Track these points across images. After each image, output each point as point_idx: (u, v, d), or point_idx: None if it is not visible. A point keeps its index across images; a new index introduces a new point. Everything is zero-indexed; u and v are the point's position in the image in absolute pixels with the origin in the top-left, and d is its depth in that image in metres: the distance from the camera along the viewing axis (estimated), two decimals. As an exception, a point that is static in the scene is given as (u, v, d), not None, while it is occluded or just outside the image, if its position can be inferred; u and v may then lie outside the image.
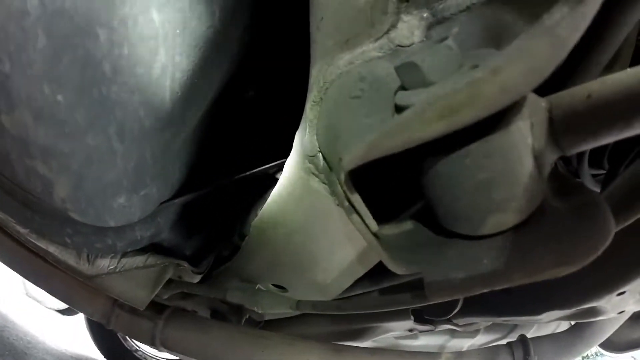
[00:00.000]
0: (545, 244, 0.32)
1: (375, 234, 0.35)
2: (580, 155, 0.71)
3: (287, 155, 0.51)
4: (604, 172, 0.77)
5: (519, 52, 0.24)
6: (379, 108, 0.33)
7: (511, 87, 0.24)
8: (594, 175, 0.78)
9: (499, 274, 0.33)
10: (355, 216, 0.33)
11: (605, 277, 0.67)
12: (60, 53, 0.36)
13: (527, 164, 0.32)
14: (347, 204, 0.33)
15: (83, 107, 0.40)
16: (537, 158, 0.32)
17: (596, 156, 0.74)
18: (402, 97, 0.30)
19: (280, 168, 0.68)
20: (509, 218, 0.33)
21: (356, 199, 0.31)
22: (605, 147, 0.71)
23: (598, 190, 0.73)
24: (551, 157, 0.34)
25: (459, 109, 0.24)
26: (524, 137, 0.31)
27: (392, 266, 0.36)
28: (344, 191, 0.31)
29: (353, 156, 0.27)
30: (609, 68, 0.45)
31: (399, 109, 0.30)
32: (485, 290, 0.34)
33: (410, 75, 0.30)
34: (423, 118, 0.24)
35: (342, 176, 0.30)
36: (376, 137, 0.26)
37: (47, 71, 0.37)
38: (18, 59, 0.36)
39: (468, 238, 0.36)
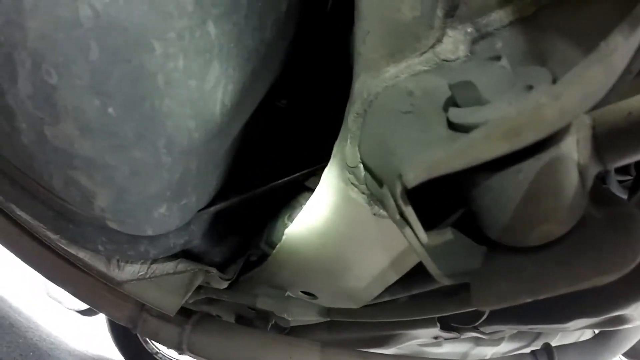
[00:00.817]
0: (586, 253, 0.33)
1: (424, 246, 0.36)
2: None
3: (315, 164, 0.51)
4: (630, 178, 0.77)
5: (577, 79, 0.25)
6: (431, 124, 0.34)
7: (569, 111, 0.25)
8: (620, 182, 0.78)
9: (544, 283, 0.34)
10: (407, 230, 0.34)
11: (634, 284, 0.67)
12: (113, 66, 0.35)
13: (573, 178, 0.33)
14: (398, 217, 0.34)
15: (134, 120, 0.39)
16: (582, 172, 0.33)
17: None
18: (457, 115, 0.31)
19: (308, 176, 0.69)
20: (554, 229, 0.34)
21: (410, 213, 0.32)
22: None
23: (625, 196, 0.73)
24: (593, 171, 0.35)
25: (522, 131, 0.25)
26: (571, 153, 0.32)
27: (440, 278, 0.37)
28: (398, 205, 0.32)
29: (417, 174, 0.28)
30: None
31: (454, 125, 0.31)
32: (530, 300, 0.34)
33: (465, 94, 0.31)
34: (490, 139, 0.25)
35: (398, 191, 0.31)
36: (443, 157, 0.27)
37: (97, 84, 0.35)
38: (67, 71, 0.34)
39: (514, 248, 0.36)
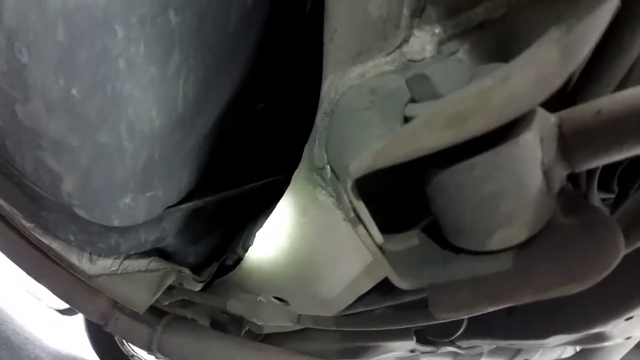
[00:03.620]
0: (553, 260, 0.31)
1: (380, 247, 0.35)
2: (590, 178, 0.70)
3: (293, 169, 0.51)
4: (613, 195, 0.76)
5: (528, 61, 0.24)
6: (388, 119, 0.33)
7: (520, 95, 0.24)
8: (603, 200, 0.77)
9: (506, 291, 0.32)
10: (360, 227, 0.33)
11: (613, 301, 0.66)
12: (77, 47, 0.36)
13: (536, 178, 0.31)
14: (352, 214, 0.33)
15: (96, 102, 0.40)
16: (547, 172, 0.32)
17: (605, 180, 0.74)
18: (412, 109, 0.30)
19: (286, 181, 0.68)
20: (516, 233, 0.33)
21: (361, 208, 0.31)
22: (614, 170, 0.71)
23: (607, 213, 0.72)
24: (561, 173, 0.34)
25: (467, 117, 0.24)
26: (533, 150, 0.30)
27: (396, 280, 0.36)
28: (350, 201, 0.31)
29: (360, 164, 0.27)
30: (619, 89, 0.45)
31: (407, 120, 0.30)
32: (492, 309, 0.33)
33: (420, 88, 0.30)
34: (431, 126, 0.24)
35: (349, 185, 0.30)
36: (384, 146, 0.26)
37: (63, 64, 0.37)
38: (36, 50, 0.36)
39: (475, 253, 0.35)
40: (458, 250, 0.37)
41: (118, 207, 0.51)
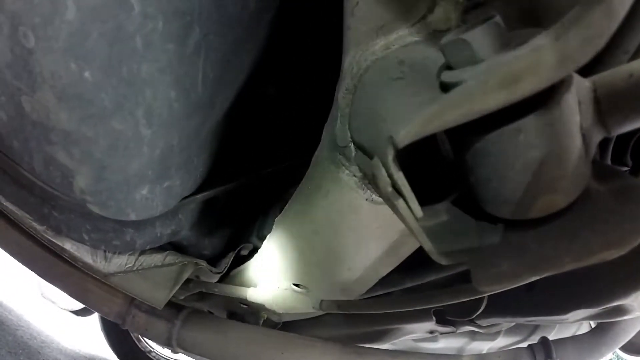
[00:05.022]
0: (592, 227, 0.31)
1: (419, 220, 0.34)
2: (603, 152, 0.70)
3: (305, 154, 0.49)
4: (627, 168, 0.75)
5: (576, 22, 0.23)
6: (425, 87, 0.32)
7: (570, 55, 0.23)
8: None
9: (548, 259, 0.32)
10: (400, 201, 0.32)
11: (633, 273, 0.66)
12: (90, 25, 0.33)
13: (577, 142, 0.31)
14: (390, 189, 0.32)
15: (111, 86, 0.37)
16: (585, 137, 0.32)
17: (618, 153, 0.74)
18: (450, 76, 0.29)
19: (298, 167, 0.68)
20: (558, 199, 0.32)
21: (403, 182, 0.30)
22: (627, 143, 0.70)
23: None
24: (597, 137, 0.34)
25: (521, 77, 0.23)
26: (573, 114, 0.30)
27: (436, 256, 0.35)
28: (390, 174, 0.30)
29: (408, 131, 0.26)
30: (635, 57, 0.45)
31: (447, 86, 0.29)
32: (534, 279, 0.32)
33: (458, 53, 0.29)
34: (485, 87, 0.23)
35: (390, 156, 0.29)
36: (436, 110, 0.25)
37: (74, 46, 0.34)
38: (44, 32, 0.33)
39: (513, 223, 0.35)
40: (494, 221, 0.36)
41: (134, 199, 0.49)
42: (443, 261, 0.36)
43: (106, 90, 0.37)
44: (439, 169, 0.42)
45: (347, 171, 0.47)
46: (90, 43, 0.34)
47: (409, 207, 0.32)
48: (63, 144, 0.40)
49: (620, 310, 0.75)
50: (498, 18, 0.30)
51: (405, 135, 0.26)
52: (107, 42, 0.35)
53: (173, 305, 0.81)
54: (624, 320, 0.94)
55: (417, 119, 0.26)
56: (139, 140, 0.43)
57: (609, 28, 0.25)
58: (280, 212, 0.67)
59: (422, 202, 0.41)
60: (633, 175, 0.69)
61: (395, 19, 0.39)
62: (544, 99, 0.28)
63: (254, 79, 0.54)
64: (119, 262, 0.69)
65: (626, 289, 0.68)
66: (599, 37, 0.25)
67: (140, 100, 0.40)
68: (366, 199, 0.49)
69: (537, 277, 0.32)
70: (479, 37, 0.29)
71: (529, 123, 0.28)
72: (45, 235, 0.62)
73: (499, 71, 0.23)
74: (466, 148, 0.31)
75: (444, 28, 0.39)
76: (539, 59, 0.23)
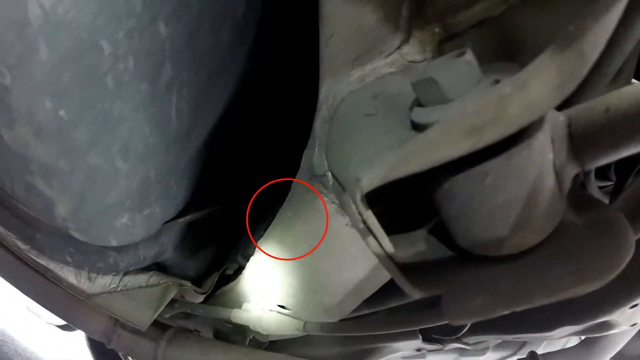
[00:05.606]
0: (565, 262, 0.31)
1: (390, 257, 0.34)
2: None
3: (289, 173, 0.49)
4: (611, 183, 0.76)
5: (544, 68, 0.23)
6: (395, 126, 0.32)
7: (538, 103, 0.23)
8: (600, 188, 0.77)
9: (520, 295, 0.32)
10: (371, 239, 0.32)
11: (618, 290, 0.66)
12: (63, 66, 0.34)
13: (549, 181, 0.31)
14: (362, 225, 0.32)
15: (85, 123, 0.38)
16: (558, 174, 0.31)
17: (602, 168, 0.74)
18: (420, 115, 0.29)
19: (282, 187, 0.67)
20: (529, 238, 0.32)
21: (372, 220, 0.30)
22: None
23: (606, 202, 0.72)
24: (571, 172, 0.33)
25: (485, 127, 0.23)
26: (546, 152, 0.30)
27: (410, 290, 0.35)
28: (359, 212, 0.30)
29: (372, 177, 0.26)
30: (613, 81, 0.45)
31: (417, 126, 0.29)
32: (507, 312, 0.32)
33: (428, 92, 0.29)
34: (449, 137, 0.23)
35: (358, 197, 0.29)
36: (398, 158, 0.25)
37: (48, 85, 0.35)
38: (18, 71, 0.34)
39: (485, 258, 0.34)
40: (467, 254, 0.36)
41: (115, 227, 0.50)
42: (416, 295, 0.36)
43: (81, 127, 0.38)
44: (418, 194, 0.42)
45: (325, 198, 0.47)
46: (64, 83, 0.35)
47: (379, 244, 0.32)
48: (42, 175, 0.41)
49: (607, 326, 0.75)
50: (469, 54, 0.30)
51: (370, 180, 0.26)
52: (80, 82, 0.35)
53: (158, 325, 0.80)
54: (612, 333, 0.94)
55: (381, 165, 0.26)
56: (115, 174, 0.43)
57: (581, 72, 0.25)
58: (265, 231, 0.67)
59: (401, 228, 0.41)
60: (616, 192, 0.69)
61: (370, 50, 0.39)
62: (513, 139, 0.28)
63: (233, 104, 0.54)
64: (103, 282, 0.68)
65: (611, 306, 0.68)
66: (569, 83, 0.24)
67: (115, 136, 0.40)
68: (346, 224, 0.49)
69: (511, 311, 0.32)
70: (447, 76, 0.29)
71: (497, 165, 0.28)
72: (29, 254, 0.62)
73: (461, 121, 0.23)
74: (435, 186, 0.31)
75: (420, 59, 0.39)
76: (503, 109, 0.22)
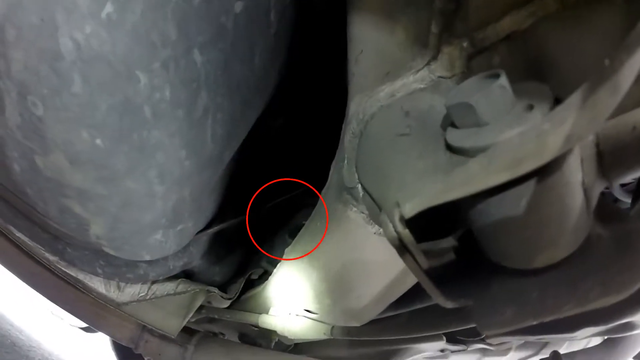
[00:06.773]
0: (592, 275, 0.32)
1: (426, 271, 0.35)
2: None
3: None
4: (633, 180, 0.75)
5: (582, 103, 0.23)
6: (430, 147, 0.33)
7: (574, 136, 0.24)
8: (622, 185, 0.77)
9: (549, 306, 0.33)
10: (408, 257, 0.33)
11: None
12: (99, 98, 0.34)
13: (578, 200, 0.31)
14: (397, 243, 0.33)
15: (123, 152, 0.38)
16: (586, 192, 0.32)
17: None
18: (456, 138, 0.30)
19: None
20: (559, 253, 0.33)
21: (410, 240, 0.31)
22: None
23: (628, 199, 0.72)
24: (598, 189, 0.34)
25: (524, 159, 0.24)
26: (575, 174, 0.31)
27: (442, 302, 0.36)
28: (397, 232, 0.31)
29: (414, 207, 0.27)
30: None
31: (452, 149, 0.30)
32: (535, 323, 0.33)
33: (463, 115, 0.30)
34: (490, 170, 0.24)
35: (397, 219, 0.30)
36: (441, 189, 0.25)
37: (85, 116, 0.35)
38: (52, 103, 0.34)
39: (515, 271, 0.35)
40: (496, 266, 0.37)
41: (148, 243, 0.51)
42: (449, 305, 0.37)
43: (118, 155, 0.38)
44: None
45: (354, 209, 0.48)
46: (100, 114, 0.35)
47: (416, 261, 0.33)
48: (78, 199, 0.41)
49: (630, 326, 0.75)
50: (504, 79, 0.31)
51: (411, 209, 0.27)
52: (117, 113, 0.36)
53: (185, 329, 0.82)
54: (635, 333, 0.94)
55: (423, 195, 0.27)
56: (152, 196, 0.44)
57: (615, 102, 0.26)
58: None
59: (429, 233, 0.42)
60: (635, 200, 0.69)
61: (399, 66, 0.40)
62: (548, 165, 0.29)
63: (262, 119, 0.55)
64: (132, 291, 0.70)
65: (634, 307, 0.68)
66: (603, 114, 0.25)
67: (152, 162, 0.41)
68: (374, 233, 0.50)
69: (539, 322, 0.33)
70: (482, 100, 0.30)
71: (531, 188, 0.28)
72: (57, 265, 0.63)
73: (503, 155, 0.24)
74: (468, 205, 0.32)
75: (449, 75, 0.40)
76: (543, 144, 0.23)
